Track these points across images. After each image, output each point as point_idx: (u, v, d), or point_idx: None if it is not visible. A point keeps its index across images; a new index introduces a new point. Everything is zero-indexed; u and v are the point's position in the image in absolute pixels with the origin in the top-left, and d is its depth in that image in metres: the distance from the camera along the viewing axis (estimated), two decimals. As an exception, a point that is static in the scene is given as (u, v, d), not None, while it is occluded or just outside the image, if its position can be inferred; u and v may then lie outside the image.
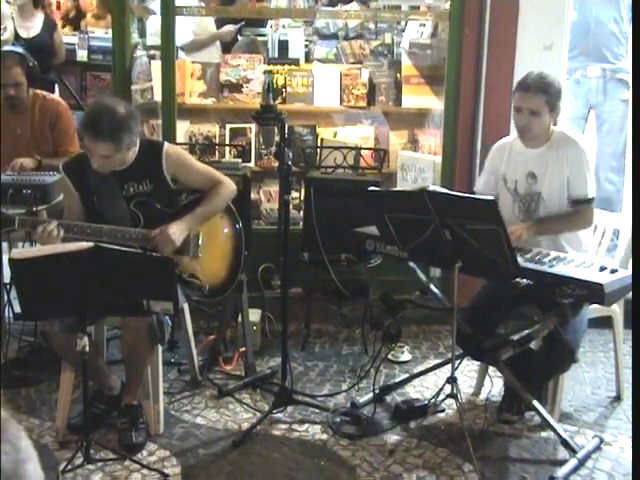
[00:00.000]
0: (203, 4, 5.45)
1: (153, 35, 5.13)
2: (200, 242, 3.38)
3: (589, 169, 3.35)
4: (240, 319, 3.96)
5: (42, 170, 3.89)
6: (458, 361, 3.26)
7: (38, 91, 4.19)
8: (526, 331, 3.15)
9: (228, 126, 5.10)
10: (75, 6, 6.79)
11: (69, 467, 2.92)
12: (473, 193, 3.54)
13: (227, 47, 5.55)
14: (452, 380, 3.10)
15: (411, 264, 3.44)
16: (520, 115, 3.33)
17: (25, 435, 0.89)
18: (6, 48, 4.44)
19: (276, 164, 3.62)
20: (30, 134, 4.09)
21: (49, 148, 4.11)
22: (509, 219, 3.35)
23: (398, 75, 5.05)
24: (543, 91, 3.27)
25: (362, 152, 4.66)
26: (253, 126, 5.04)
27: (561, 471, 3.02)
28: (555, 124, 3.43)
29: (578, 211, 3.35)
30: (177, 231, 3.23)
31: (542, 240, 3.34)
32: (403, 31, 5.32)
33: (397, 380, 3.75)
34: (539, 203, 3.38)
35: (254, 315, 4.10)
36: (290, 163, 3.30)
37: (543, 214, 3.38)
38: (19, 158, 3.88)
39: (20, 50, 4.26)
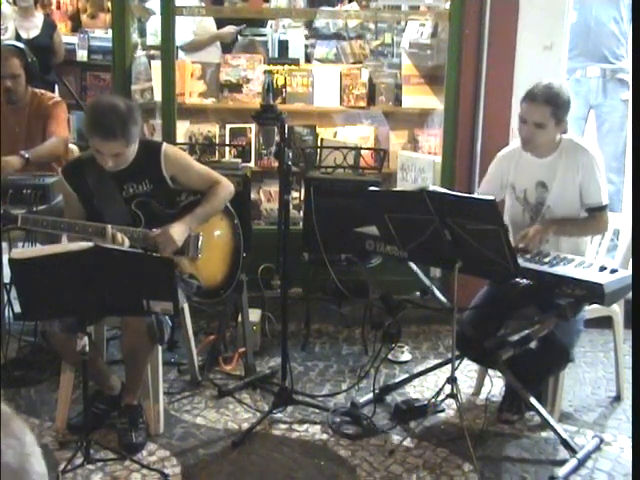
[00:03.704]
0: (203, 4, 5.45)
1: (153, 35, 5.14)
2: (200, 243, 3.38)
3: (601, 176, 3.32)
4: (240, 319, 3.96)
5: (31, 165, 3.86)
6: (458, 361, 3.26)
7: (37, 90, 4.19)
8: (526, 331, 3.15)
9: (228, 126, 5.10)
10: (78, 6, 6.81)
11: (69, 467, 2.92)
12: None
13: (227, 47, 5.56)
14: (452, 380, 3.10)
15: (411, 264, 3.44)
16: (524, 126, 3.29)
17: (29, 431, 0.90)
18: (5, 42, 4.45)
19: (276, 164, 3.62)
20: (26, 132, 4.09)
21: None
22: (520, 227, 3.36)
23: (398, 75, 5.05)
24: (550, 103, 3.21)
25: (362, 152, 4.66)
26: (253, 126, 5.05)
27: (561, 471, 3.02)
28: (565, 132, 3.38)
29: (594, 217, 3.34)
30: (179, 232, 3.24)
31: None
32: (403, 31, 5.32)
33: (397, 380, 3.75)
34: (547, 211, 3.36)
35: (254, 315, 4.10)
36: (290, 163, 3.30)
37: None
38: (5, 157, 3.80)
39: (19, 44, 4.27)
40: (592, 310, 3.30)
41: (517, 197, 3.46)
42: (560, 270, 2.93)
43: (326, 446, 3.23)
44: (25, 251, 3.33)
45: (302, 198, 4.34)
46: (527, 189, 3.42)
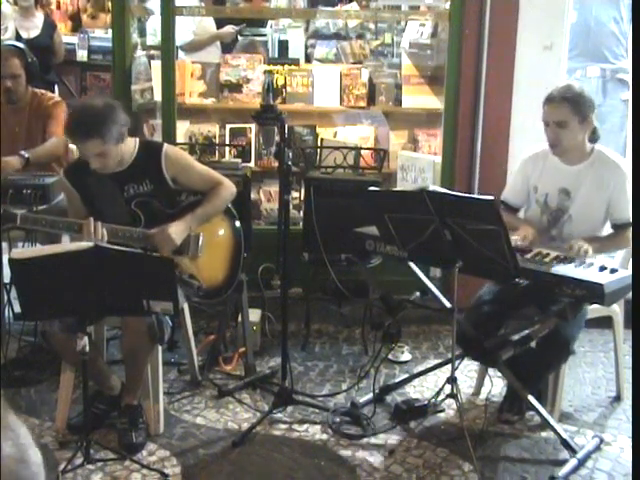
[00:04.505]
0: (203, 4, 5.45)
1: (153, 35, 5.14)
2: (200, 243, 3.38)
3: (630, 192, 3.29)
4: (240, 319, 3.96)
5: (31, 165, 3.87)
6: (458, 361, 3.25)
7: (37, 90, 4.19)
8: (526, 331, 3.15)
9: (228, 126, 5.10)
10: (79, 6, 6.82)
11: (69, 467, 2.92)
12: (476, 194, 3.52)
13: (227, 47, 5.56)
14: (452, 380, 3.10)
15: (411, 264, 3.44)
16: (548, 128, 3.28)
17: (22, 423, 0.92)
18: (5, 43, 4.45)
19: (276, 164, 3.62)
20: (26, 132, 4.09)
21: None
22: (537, 229, 3.35)
23: (398, 75, 5.05)
24: (568, 100, 3.21)
25: (362, 152, 4.66)
26: (253, 126, 5.05)
27: (561, 471, 3.02)
28: (594, 141, 3.36)
29: (619, 234, 3.31)
30: (177, 230, 3.24)
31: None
32: (403, 31, 5.32)
33: (397, 380, 3.75)
34: (568, 220, 3.36)
35: (254, 315, 4.10)
36: (290, 163, 3.30)
37: (569, 231, 3.35)
38: (4, 157, 3.80)
39: (19, 44, 4.27)
40: (592, 310, 3.30)
41: (537, 200, 3.44)
42: (560, 270, 2.93)
43: (326, 446, 3.23)
44: (25, 251, 3.33)
45: (302, 198, 4.34)
46: (549, 193, 3.40)
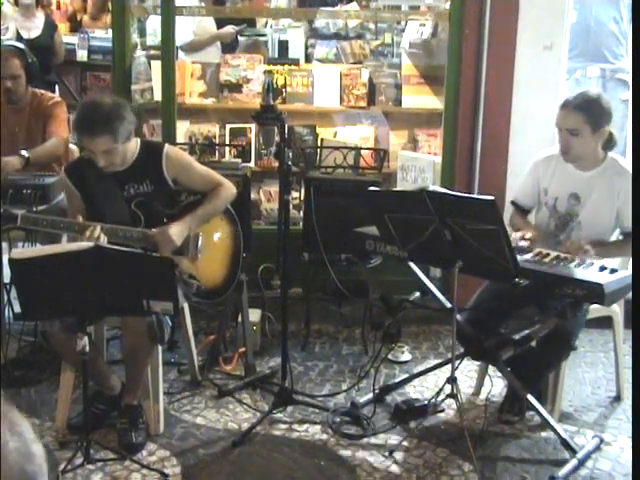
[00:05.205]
0: (203, 4, 5.45)
1: (153, 35, 5.14)
2: (200, 243, 3.38)
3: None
4: (240, 319, 3.96)
5: (31, 165, 3.86)
6: (458, 361, 3.25)
7: (37, 90, 4.19)
8: (526, 331, 3.15)
9: (228, 126, 5.11)
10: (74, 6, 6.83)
11: (69, 467, 2.92)
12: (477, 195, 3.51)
13: (228, 48, 5.56)
14: (452, 380, 3.10)
15: (411, 264, 3.44)
16: (560, 134, 3.27)
17: (24, 418, 0.95)
18: (5, 43, 4.45)
19: (276, 164, 3.62)
20: (26, 132, 4.09)
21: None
22: (543, 232, 3.35)
23: (398, 75, 5.05)
24: (582, 109, 3.18)
25: (362, 152, 4.66)
26: (253, 126, 5.05)
27: (561, 471, 3.02)
28: (610, 148, 3.33)
29: (628, 242, 3.23)
30: (177, 231, 3.24)
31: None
32: (403, 31, 5.33)
33: (397, 380, 3.75)
34: (577, 225, 3.35)
35: (254, 315, 4.10)
36: (290, 163, 3.30)
37: (577, 237, 3.32)
38: (5, 157, 3.79)
39: (19, 45, 4.27)
40: (592, 310, 3.30)
41: (546, 202, 3.44)
42: (560, 270, 2.93)
43: (326, 446, 3.23)
44: (25, 251, 3.33)
45: (302, 198, 4.34)
46: (559, 197, 3.39)
